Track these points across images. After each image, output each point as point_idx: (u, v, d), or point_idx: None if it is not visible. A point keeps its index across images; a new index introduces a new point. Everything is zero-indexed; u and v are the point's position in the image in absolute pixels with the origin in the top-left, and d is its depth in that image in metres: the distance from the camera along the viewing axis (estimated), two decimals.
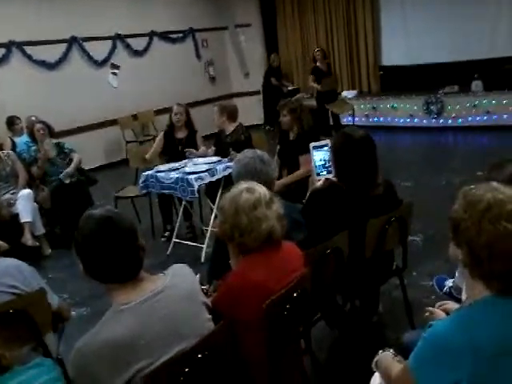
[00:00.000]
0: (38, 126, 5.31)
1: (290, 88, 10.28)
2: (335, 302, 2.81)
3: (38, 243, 4.86)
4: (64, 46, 8.04)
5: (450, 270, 3.10)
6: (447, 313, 1.72)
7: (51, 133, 5.44)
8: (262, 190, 1.93)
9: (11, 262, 2.36)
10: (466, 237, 1.31)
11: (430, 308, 1.79)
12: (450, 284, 3.03)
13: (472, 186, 1.37)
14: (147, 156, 4.99)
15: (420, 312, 2.96)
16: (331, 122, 8.86)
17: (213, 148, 4.90)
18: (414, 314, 2.87)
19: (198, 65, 10.32)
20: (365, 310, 2.99)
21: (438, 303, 1.88)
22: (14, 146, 6.11)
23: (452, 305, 1.83)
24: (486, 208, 1.29)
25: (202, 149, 4.87)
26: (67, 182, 5.26)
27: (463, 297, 1.52)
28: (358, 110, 9.26)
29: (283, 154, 4.42)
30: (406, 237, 2.85)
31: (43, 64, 7.80)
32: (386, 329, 3.11)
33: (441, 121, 8.51)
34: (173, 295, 1.62)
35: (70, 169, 5.30)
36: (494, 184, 1.35)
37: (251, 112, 9.91)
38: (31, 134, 5.49)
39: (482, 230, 1.28)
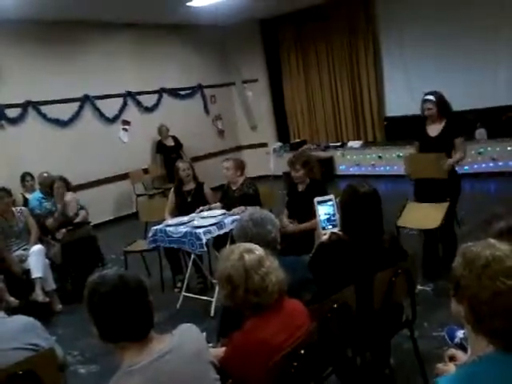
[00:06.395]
0: (59, 183, 5.46)
1: (297, 140, 10.44)
2: (345, 355, 2.79)
3: (48, 299, 4.86)
4: (77, 104, 8.31)
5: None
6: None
7: (68, 188, 5.58)
8: (257, 246, 2.01)
9: (23, 319, 2.36)
10: (466, 293, 1.34)
11: (440, 365, 1.78)
12: (461, 335, 2.98)
13: (470, 244, 1.41)
14: (166, 216, 4.96)
15: (432, 363, 2.92)
16: None
17: (218, 204, 4.90)
18: (425, 366, 2.83)
19: (207, 119, 10.58)
20: (376, 363, 2.96)
21: (448, 352, 1.89)
22: (25, 203, 6.24)
23: (461, 355, 1.82)
24: (484, 265, 1.31)
25: (216, 204, 4.88)
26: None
27: (468, 351, 1.52)
28: (364, 160, 9.41)
29: (292, 205, 4.43)
30: (414, 288, 2.85)
31: (57, 122, 8.04)
32: (398, 381, 3.06)
33: None
34: (180, 356, 1.63)
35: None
36: (492, 241, 1.39)
37: (259, 164, 10.11)
38: (46, 190, 5.62)
39: (482, 286, 1.30)
